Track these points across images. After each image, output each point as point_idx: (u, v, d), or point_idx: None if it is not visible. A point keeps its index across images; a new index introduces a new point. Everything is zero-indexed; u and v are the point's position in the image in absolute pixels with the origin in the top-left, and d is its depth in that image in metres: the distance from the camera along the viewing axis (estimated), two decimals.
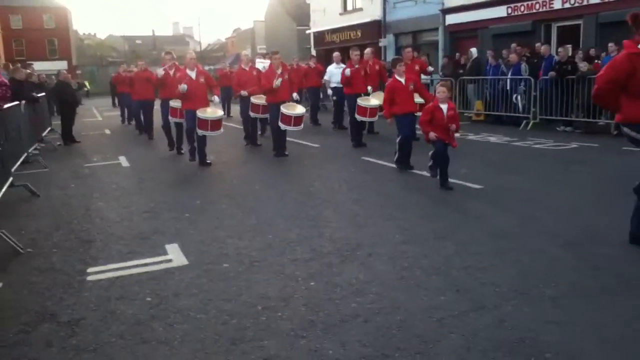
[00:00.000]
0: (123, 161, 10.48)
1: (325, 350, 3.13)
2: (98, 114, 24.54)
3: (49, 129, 14.78)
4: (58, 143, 13.40)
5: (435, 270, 4.27)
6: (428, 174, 7.24)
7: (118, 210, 6.66)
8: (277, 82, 9.56)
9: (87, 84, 44.67)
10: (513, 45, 14.27)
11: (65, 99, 13.68)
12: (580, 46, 14.94)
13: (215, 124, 9.27)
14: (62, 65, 41.36)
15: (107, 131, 16.88)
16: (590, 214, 5.67)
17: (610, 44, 12.39)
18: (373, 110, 10.47)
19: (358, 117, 10.58)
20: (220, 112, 9.70)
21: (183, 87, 8.99)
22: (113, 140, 14.71)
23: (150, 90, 12.79)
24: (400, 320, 3.44)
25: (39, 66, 29.24)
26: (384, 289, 3.94)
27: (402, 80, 8.13)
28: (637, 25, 4.18)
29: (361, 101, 10.48)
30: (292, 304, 3.75)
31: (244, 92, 11.21)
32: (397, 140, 8.25)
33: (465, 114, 15.11)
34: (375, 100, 10.77)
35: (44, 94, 14.17)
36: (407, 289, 3.95)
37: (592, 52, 13.13)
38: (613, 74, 4.21)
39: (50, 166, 10.04)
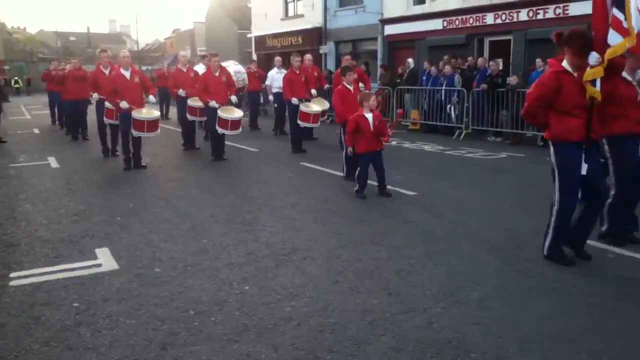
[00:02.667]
0: (52, 162, 10.06)
1: (258, 354, 3.13)
2: (27, 112, 23.44)
3: None
4: None
5: (368, 273, 4.36)
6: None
7: (45, 213, 6.40)
8: (212, 104, 9.50)
9: (19, 81, 42.59)
10: (446, 57, 14.75)
11: None
12: (511, 60, 15.65)
13: (152, 124, 9.04)
14: None
15: (36, 130, 16.15)
16: (515, 219, 5.94)
17: (537, 60, 13.05)
18: (316, 116, 10.55)
19: (301, 123, 10.58)
20: (156, 113, 9.49)
21: (124, 104, 8.73)
22: (42, 140, 14.08)
23: (84, 90, 12.32)
24: (333, 323, 3.50)
25: None
26: (318, 293, 3.98)
27: (351, 88, 8.20)
28: (561, 43, 4.36)
29: (304, 107, 10.53)
30: (225, 308, 3.73)
31: (181, 92, 10.99)
32: (345, 149, 8.18)
33: (402, 123, 15.48)
34: (317, 106, 10.85)
35: None
36: (341, 292, 4.01)
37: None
38: (541, 91, 4.36)
39: None
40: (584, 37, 4.25)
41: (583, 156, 4.31)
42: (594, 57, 4.15)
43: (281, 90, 12.81)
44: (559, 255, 4.55)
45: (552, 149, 4.49)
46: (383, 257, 4.76)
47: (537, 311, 3.65)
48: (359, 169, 7.08)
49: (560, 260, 4.51)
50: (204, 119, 10.83)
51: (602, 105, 4.40)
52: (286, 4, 26.47)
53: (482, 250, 4.92)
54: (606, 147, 4.90)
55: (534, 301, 3.83)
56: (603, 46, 4.17)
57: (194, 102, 10.75)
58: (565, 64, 4.31)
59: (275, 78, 13.81)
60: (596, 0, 4.25)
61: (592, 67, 4.16)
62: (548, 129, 4.47)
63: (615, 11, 4.17)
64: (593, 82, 4.20)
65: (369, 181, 7.10)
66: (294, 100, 10.71)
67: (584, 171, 4.32)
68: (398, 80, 16.25)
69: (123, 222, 5.94)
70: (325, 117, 11.59)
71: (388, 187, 7.19)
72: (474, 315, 3.61)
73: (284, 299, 3.89)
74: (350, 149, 6.95)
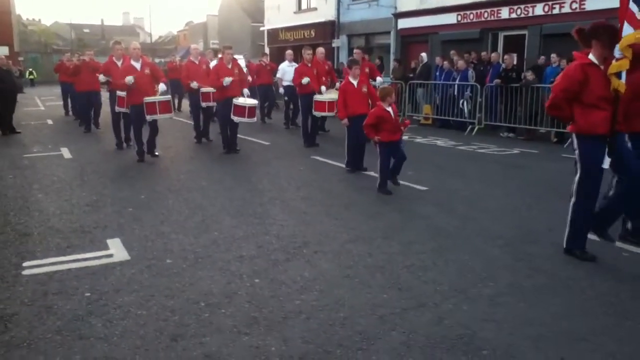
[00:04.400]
0: (65, 152, 10.13)
1: (268, 347, 3.13)
2: (41, 104, 23.61)
3: None
4: None
5: (379, 268, 4.34)
6: (377, 175, 7.26)
7: (58, 203, 6.44)
8: (226, 80, 9.45)
9: (34, 73, 42.85)
10: (453, 51, 14.60)
11: (3, 86, 13.04)
12: (525, 55, 15.49)
13: (164, 105, 9.04)
14: (2, 51, 39.55)
15: (50, 121, 16.26)
16: (528, 215, 5.89)
17: (552, 55, 12.91)
18: (331, 104, 10.51)
19: (317, 113, 10.55)
20: (168, 95, 9.48)
21: (129, 79, 8.74)
22: (55, 130, 14.17)
23: (96, 81, 12.38)
24: (343, 317, 3.49)
25: None
26: (328, 287, 3.97)
27: (355, 82, 8.16)
28: (582, 39, 4.35)
29: (318, 97, 10.50)
30: (235, 300, 3.74)
31: (194, 84, 10.99)
32: (346, 143, 8.28)
33: (414, 117, 15.40)
34: (331, 95, 10.82)
35: None
36: (351, 286, 4.00)
37: (542, 60, 13.55)
38: (567, 83, 4.33)
39: None
40: (612, 29, 4.25)
41: (606, 150, 4.28)
42: (619, 50, 4.13)
43: (292, 84, 12.80)
44: (579, 250, 4.51)
45: (575, 141, 4.45)
46: (394, 251, 4.74)
47: (550, 309, 3.62)
48: (379, 162, 7.02)
49: (580, 255, 4.47)
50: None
51: (626, 100, 4.35)
52: None
53: (495, 246, 4.88)
54: (629, 144, 4.80)
55: (547, 299, 3.79)
56: None
57: (207, 88, 10.72)
58: (591, 56, 4.30)
59: (287, 71, 13.78)
60: None
61: (617, 59, 4.15)
62: (573, 122, 4.43)
63: (632, 5, 4.17)
64: (618, 75, 4.19)
65: (372, 173, 7.07)
66: (304, 80, 10.66)
67: (605, 165, 4.30)
68: (410, 75, 16.15)
69: (135, 214, 5.97)
70: (335, 111, 11.54)
71: (400, 181, 7.16)
72: (486, 312, 3.58)
73: (294, 292, 3.88)
74: (376, 137, 6.92)
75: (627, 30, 4.17)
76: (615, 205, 4.54)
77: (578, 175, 4.45)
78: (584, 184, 4.40)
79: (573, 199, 4.50)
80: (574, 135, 4.48)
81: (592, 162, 4.36)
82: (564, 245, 4.59)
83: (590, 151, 4.36)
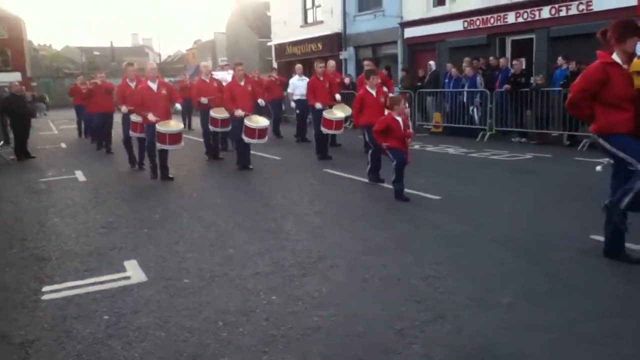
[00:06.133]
0: (79, 175, 10.24)
1: None
2: (54, 127, 23.95)
3: (1, 142, 14.31)
4: (11, 157, 12.99)
5: (395, 280, 4.32)
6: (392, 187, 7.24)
7: (74, 226, 6.51)
8: (238, 112, 9.52)
9: (46, 97, 43.50)
10: (466, 59, 14.62)
11: (17, 112, 13.24)
12: (533, 59, 15.44)
13: (174, 137, 9.10)
14: (15, 76, 40.20)
15: (63, 145, 16.48)
16: (543, 221, 5.83)
17: (559, 58, 12.86)
18: (339, 123, 10.57)
19: (324, 130, 10.61)
20: (180, 125, 9.57)
21: (151, 116, 8.81)
22: (69, 154, 14.35)
23: (109, 103, 12.55)
24: (361, 331, 3.47)
25: None
26: (345, 301, 3.96)
27: (373, 92, 8.20)
28: (606, 40, 4.30)
29: (327, 114, 10.55)
30: (253, 318, 3.74)
31: (203, 99, 11.06)
32: (369, 152, 8.19)
33: (424, 126, 15.39)
34: (340, 112, 10.86)
35: None
36: (368, 300, 3.98)
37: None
38: (586, 83, 4.29)
39: (3, 181, 9.74)
40: (632, 25, 4.19)
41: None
42: None
43: (302, 97, 12.88)
44: (621, 253, 4.45)
45: (603, 141, 4.36)
46: (409, 263, 4.71)
47: (567, 314, 3.58)
48: (394, 165, 7.01)
49: (623, 258, 4.42)
50: (226, 129, 10.87)
51: None
52: (305, 11, 26.55)
53: (509, 253, 4.84)
54: None
55: (564, 304, 3.75)
56: None
57: (216, 112, 10.83)
58: (615, 56, 4.24)
59: (297, 85, 13.86)
60: None
61: (639, 57, 4.10)
62: (594, 122, 4.38)
63: None
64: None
65: (386, 184, 7.05)
66: (318, 105, 10.74)
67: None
68: (419, 84, 16.16)
69: (150, 234, 6.01)
70: (348, 122, 11.57)
71: (412, 191, 7.15)
72: (503, 319, 3.54)
73: (311, 307, 3.87)
74: (384, 144, 6.96)
75: None
76: None
77: (631, 164, 4.21)
78: (636, 173, 4.17)
79: (627, 199, 4.23)
80: (598, 137, 4.40)
81: (631, 149, 4.17)
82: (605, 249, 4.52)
83: (623, 142, 4.22)
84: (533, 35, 15.70)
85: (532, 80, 12.98)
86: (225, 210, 7.06)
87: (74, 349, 3.40)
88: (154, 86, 9.06)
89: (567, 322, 3.46)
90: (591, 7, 13.90)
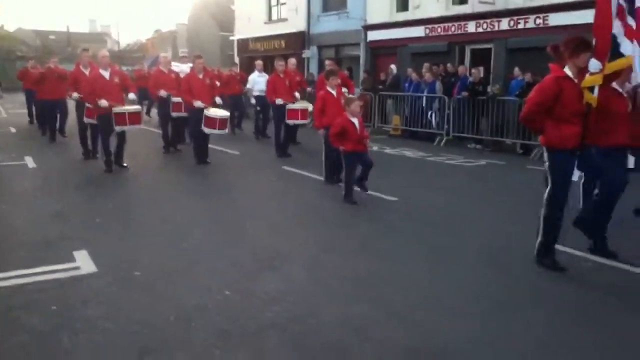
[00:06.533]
0: (29, 162, 9.87)
1: None
2: (3, 111, 23.01)
3: None
4: None
5: (351, 280, 4.35)
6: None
7: (22, 214, 6.28)
8: (198, 103, 9.40)
9: None
10: (426, 64, 14.87)
11: None
12: (491, 69, 15.84)
13: (134, 117, 8.86)
14: None
15: (13, 129, 15.85)
16: (496, 225, 5.99)
17: (515, 69, 13.24)
18: (304, 112, 10.54)
19: (290, 122, 10.57)
20: (137, 106, 9.33)
21: (103, 103, 8.58)
22: (19, 139, 13.81)
23: (62, 89, 12.12)
24: (316, 329, 3.48)
25: None
26: (300, 298, 3.97)
27: (334, 92, 8.16)
28: (558, 55, 4.43)
29: (291, 105, 10.53)
30: (206, 313, 3.70)
31: (162, 92, 10.84)
32: (324, 153, 8.19)
33: (384, 128, 15.56)
34: (302, 104, 10.86)
35: None
36: (324, 297, 4.00)
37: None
38: (541, 97, 4.40)
39: None
40: (583, 42, 4.32)
41: (576, 163, 4.39)
42: (594, 64, 4.22)
43: (262, 94, 12.78)
44: (550, 260, 4.59)
45: (546, 154, 4.54)
46: (365, 262, 4.76)
47: (529, 324, 3.62)
48: (344, 172, 7.06)
49: (551, 265, 4.56)
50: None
51: (595, 116, 4.45)
52: (270, 7, 26.41)
53: (465, 255, 4.95)
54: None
55: (527, 314, 3.80)
56: (604, 54, 4.25)
57: (178, 98, 10.61)
58: (567, 69, 4.36)
59: (257, 81, 13.77)
60: (600, 8, 4.33)
61: (591, 74, 4.23)
62: (544, 135, 4.51)
63: (630, 19, 4.25)
64: (591, 89, 4.27)
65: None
66: (279, 101, 10.70)
67: (575, 177, 4.39)
68: (380, 87, 16.32)
69: (102, 225, 5.86)
70: (309, 119, 11.58)
71: (370, 192, 7.21)
72: (458, 322, 3.62)
73: (266, 304, 3.86)
74: (341, 147, 6.97)
75: (627, 47, 4.27)
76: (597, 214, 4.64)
77: (549, 187, 4.53)
78: (554, 196, 4.49)
79: (543, 210, 4.58)
80: (544, 148, 4.56)
81: (561, 175, 4.45)
82: (535, 255, 4.68)
83: (561, 164, 4.45)
84: (491, 45, 16.11)
85: (489, 89, 13.31)
86: (181, 203, 6.95)
87: (18, 339, 3.29)
88: (106, 74, 8.81)
89: (533, 333, 3.51)
90: (547, 22, 14.37)
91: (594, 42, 4.48)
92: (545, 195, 4.57)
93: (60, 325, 3.48)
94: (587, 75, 4.32)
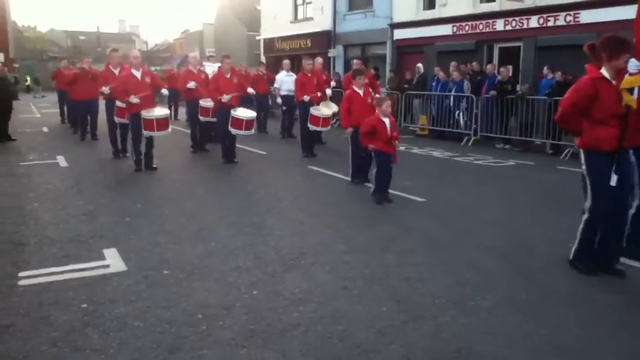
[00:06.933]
0: (61, 161, 10.09)
1: (265, 359, 3.11)
2: (36, 110, 23.55)
3: None
4: None
5: (376, 280, 4.33)
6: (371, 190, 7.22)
7: (54, 212, 6.41)
8: (225, 97, 9.45)
9: (28, 79, 42.82)
10: (453, 63, 14.71)
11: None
12: (520, 67, 15.60)
13: (162, 123, 8.97)
14: None
15: (45, 129, 16.22)
16: (524, 228, 5.90)
17: (544, 68, 13.00)
18: (326, 120, 10.52)
19: (311, 127, 10.56)
20: (165, 111, 9.44)
21: (134, 99, 8.70)
22: (51, 138, 14.12)
23: (94, 89, 12.34)
24: (341, 329, 3.48)
25: None
26: (326, 299, 3.96)
27: (361, 92, 8.10)
28: (594, 55, 4.29)
29: (314, 110, 10.52)
30: (233, 312, 3.72)
31: (191, 84, 10.92)
32: (350, 154, 8.14)
33: (410, 128, 15.46)
34: (326, 109, 10.83)
35: None
36: (349, 298, 3.99)
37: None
38: (577, 97, 4.28)
39: None
40: (622, 42, 4.20)
41: (613, 167, 4.25)
42: (633, 64, 4.08)
43: (289, 93, 12.83)
44: (584, 264, 4.48)
45: (583, 157, 4.42)
46: (391, 263, 4.73)
47: (547, 321, 3.62)
48: (375, 169, 7.02)
49: (584, 269, 4.45)
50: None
51: (634, 118, 4.31)
52: (296, 7, 26.47)
53: (491, 258, 4.89)
54: (633, 158, 4.76)
55: (544, 311, 3.79)
56: None
57: (206, 102, 10.74)
58: (603, 70, 4.23)
59: (284, 81, 13.81)
60: None
61: (631, 74, 4.10)
62: (580, 137, 4.41)
63: None
64: (630, 90, 4.14)
65: (370, 184, 7.07)
66: (306, 98, 10.70)
67: (613, 182, 4.24)
68: (405, 86, 16.20)
69: (131, 223, 5.94)
70: (334, 120, 11.55)
71: (396, 192, 7.17)
72: (484, 324, 3.58)
73: (292, 304, 3.87)
74: (371, 146, 6.95)
75: None
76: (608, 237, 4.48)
77: (588, 191, 4.38)
78: (594, 200, 4.34)
79: (585, 215, 4.45)
80: (581, 150, 4.45)
81: (598, 178, 4.30)
82: (570, 258, 4.56)
83: (596, 167, 4.32)
84: (520, 44, 15.85)
85: (518, 88, 13.10)
86: (209, 203, 7.01)
87: (49, 336, 3.35)
88: (137, 74, 8.96)
89: (548, 330, 3.49)
90: (578, 19, 14.08)
91: (633, 40, 4.34)
92: (587, 200, 4.41)
93: (90, 323, 3.54)
94: (626, 76, 4.17)
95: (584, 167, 4.42)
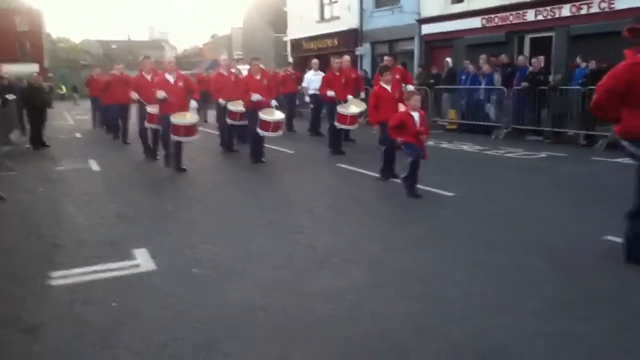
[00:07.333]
0: (93, 165, 10.26)
1: (299, 359, 3.06)
2: (69, 117, 24.11)
3: (18, 132, 14.37)
4: (27, 146, 13.08)
5: (413, 279, 4.21)
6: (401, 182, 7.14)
7: (88, 215, 6.50)
8: (255, 97, 9.48)
9: (63, 88, 44.03)
10: (483, 56, 14.44)
11: (35, 102, 13.34)
12: (552, 57, 15.23)
13: (189, 129, 9.05)
14: (33, 68, 40.55)
15: (78, 135, 16.57)
16: (560, 223, 5.68)
17: (577, 57, 12.65)
18: (353, 118, 10.44)
19: (338, 125, 10.50)
20: (195, 118, 9.52)
21: (161, 94, 8.81)
22: (83, 144, 14.41)
23: (126, 94, 12.56)
24: (379, 329, 3.38)
25: (9, 68, 28.60)
26: (361, 297, 3.87)
27: (389, 88, 8.00)
28: (636, 38, 4.10)
29: (341, 108, 10.45)
30: (265, 311, 3.66)
31: (221, 101, 11.07)
32: (382, 149, 8.02)
33: (439, 123, 15.25)
34: (354, 107, 10.75)
35: (14, 96, 13.76)
36: (385, 297, 3.88)
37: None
38: (613, 83, 4.11)
39: (19, 170, 9.79)
40: None
41: None
42: None
43: (317, 92, 12.79)
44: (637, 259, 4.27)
45: (625, 144, 4.22)
46: (428, 262, 4.59)
47: (594, 324, 3.40)
48: (410, 161, 6.88)
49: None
50: (245, 122, 10.80)
51: None
52: (322, 6, 26.43)
53: (529, 257, 4.67)
54: None
55: (591, 313, 3.58)
56: None
57: (234, 106, 10.80)
58: None
59: (312, 80, 13.79)
60: None
61: None
62: (619, 124, 4.22)
63: None
64: None
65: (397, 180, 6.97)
66: (330, 93, 10.64)
67: None
68: (431, 81, 15.94)
69: (163, 225, 5.97)
70: (363, 118, 11.45)
71: (427, 188, 7.05)
72: (528, 324, 3.40)
73: (325, 302, 3.78)
74: (399, 139, 6.87)
75: None
76: None
77: (635, 182, 4.18)
78: (637, 191, 4.13)
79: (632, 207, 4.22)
80: (623, 140, 4.24)
81: None
82: (624, 255, 4.34)
83: None
84: (552, 34, 15.48)
85: (551, 78, 12.78)
86: (239, 202, 7.02)
87: (81, 335, 3.37)
88: (171, 78, 9.07)
89: (602, 331, 3.30)
90: (613, 5, 13.67)
91: None
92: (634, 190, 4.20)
93: (121, 322, 3.54)
94: None
95: (637, 152, 4.17)
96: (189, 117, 9.14)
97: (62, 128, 18.78)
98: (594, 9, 14.13)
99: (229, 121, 11.13)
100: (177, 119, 8.92)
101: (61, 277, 4.37)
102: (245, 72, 11.15)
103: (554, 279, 4.16)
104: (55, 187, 8.38)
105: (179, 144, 9.21)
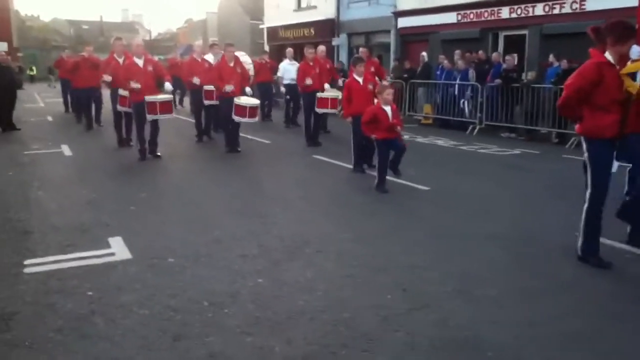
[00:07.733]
0: (65, 150, 10.09)
1: (271, 347, 3.12)
2: (40, 100, 23.55)
3: None
4: None
5: (381, 269, 4.32)
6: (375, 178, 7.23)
7: (59, 201, 6.42)
8: (228, 87, 9.41)
9: (34, 69, 42.85)
10: (457, 51, 14.59)
11: (3, 82, 12.96)
12: (525, 56, 15.48)
13: (165, 105, 8.94)
14: (1, 46, 39.39)
15: (50, 118, 16.23)
16: (530, 217, 5.87)
17: (550, 56, 12.90)
18: (334, 101, 10.45)
19: (319, 110, 10.49)
20: (169, 95, 9.40)
21: (135, 85, 8.69)
22: (55, 127, 14.14)
23: (96, 77, 12.33)
24: (346, 317, 3.47)
25: None
26: (330, 287, 3.96)
27: (360, 80, 8.02)
28: (599, 38, 4.21)
29: (321, 94, 10.46)
30: (238, 300, 3.72)
31: (195, 79, 10.96)
32: (352, 142, 8.13)
33: (414, 117, 15.39)
34: (333, 92, 10.78)
35: None
36: (354, 286, 3.98)
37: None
38: (582, 82, 4.18)
39: None
40: (628, 27, 4.14)
41: (614, 154, 4.21)
42: (636, 50, 4.04)
43: (292, 82, 12.78)
44: (593, 257, 4.40)
45: (584, 144, 4.36)
46: (397, 252, 4.72)
47: (552, 311, 3.60)
48: (377, 160, 6.99)
49: (597, 262, 4.37)
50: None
51: (636, 104, 4.26)
52: None
53: (496, 247, 4.86)
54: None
55: (549, 300, 3.78)
56: None
57: (210, 87, 10.70)
58: (607, 55, 4.16)
59: (287, 69, 13.75)
60: None
61: (633, 61, 4.06)
62: (581, 123, 4.34)
63: None
64: (632, 76, 4.09)
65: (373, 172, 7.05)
66: (308, 81, 10.62)
67: (614, 169, 4.20)
68: (405, 75, 16.01)
69: (136, 212, 5.95)
70: (338, 109, 11.49)
71: (401, 181, 7.15)
72: (490, 313, 3.56)
73: (297, 292, 3.86)
74: (373, 136, 6.91)
75: None
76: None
77: (589, 178, 4.35)
78: (594, 187, 4.30)
79: (586, 205, 4.39)
80: (582, 137, 4.39)
81: (601, 165, 4.26)
82: (579, 253, 4.48)
83: (598, 155, 4.27)
84: (526, 32, 15.73)
85: (523, 76, 13.01)
86: (213, 191, 7.01)
87: (55, 324, 3.36)
88: (140, 62, 8.92)
89: (554, 319, 3.47)
90: (584, 7, 13.95)
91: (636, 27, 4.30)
92: (588, 188, 4.37)
93: (96, 311, 3.54)
94: (629, 63, 4.13)
95: (585, 154, 4.36)
96: (160, 96, 9.03)
97: (33, 111, 18.36)
98: (566, 9, 14.41)
99: (205, 102, 11.02)
100: (151, 97, 8.80)
101: (34, 265, 4.34)
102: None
103: (517, 269, 4.34)
104: (25, 171, 8.24)
105: (155, 127, 9.09)
